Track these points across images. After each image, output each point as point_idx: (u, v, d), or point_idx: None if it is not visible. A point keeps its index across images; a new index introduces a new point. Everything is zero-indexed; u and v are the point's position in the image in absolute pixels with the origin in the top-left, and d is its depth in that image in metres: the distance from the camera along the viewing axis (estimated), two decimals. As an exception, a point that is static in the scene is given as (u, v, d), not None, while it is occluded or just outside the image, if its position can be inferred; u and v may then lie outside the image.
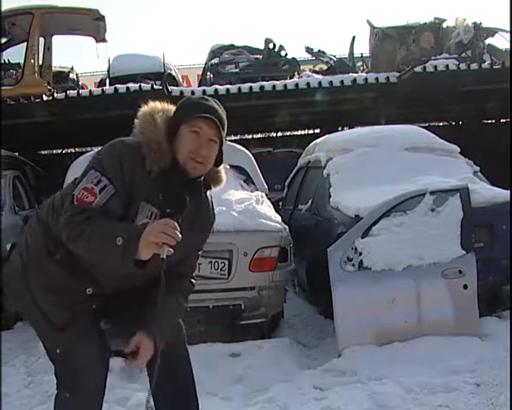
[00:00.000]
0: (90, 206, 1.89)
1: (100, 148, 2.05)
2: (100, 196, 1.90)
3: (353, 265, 3.84)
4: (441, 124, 12.32)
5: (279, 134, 13.17)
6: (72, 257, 1.99)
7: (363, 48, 13.82)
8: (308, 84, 8.61)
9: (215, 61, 10.33)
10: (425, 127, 6.42)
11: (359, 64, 11.64)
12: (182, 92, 8.16)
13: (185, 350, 2.30)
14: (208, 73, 10.27)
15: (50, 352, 2.13)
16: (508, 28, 9.52)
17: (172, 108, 2.11)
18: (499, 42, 10.17)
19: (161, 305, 1.92)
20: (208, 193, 2.20)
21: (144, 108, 2.08)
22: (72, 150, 11.81)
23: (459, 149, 5.24)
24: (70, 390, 2.10)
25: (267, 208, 4.54)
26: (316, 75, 9.70)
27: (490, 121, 11.83)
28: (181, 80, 11.83)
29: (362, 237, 3.88)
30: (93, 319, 2.10)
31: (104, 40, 9.49)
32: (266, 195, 5.02)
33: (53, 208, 2.09)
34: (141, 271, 1.88)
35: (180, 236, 1.83)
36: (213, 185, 2.17)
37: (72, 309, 2.04)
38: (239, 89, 8.49)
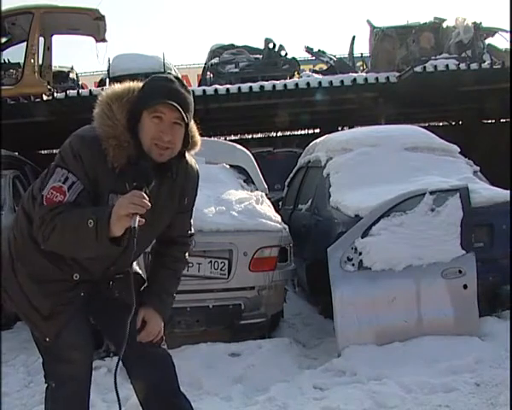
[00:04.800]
0: (60, 204, 1.89)
1: (63, 144, 2.00)
2: (69, 194, 1.89)
3: (353, 265, 3.85)
4: (441, 124, 12.34)
5: (279, 134, 13.18)
6: None
7: (363, 48, 13.85)
8: (308, 84, 8.62)
9: (215, 60, 10.31)
10: (425, 127, 6.41)
11: (359, 64, 11.64)
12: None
13: (165, 350, 2.27)
14: (208, 73, 10.25)
15: (40, 344, 2.12)
16: (508, 28, 9.52)
17: (136, 86, 2.02)
18: (499, 42, 10.19)
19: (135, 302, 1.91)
20: (187, 156, 2.13)
21: (102, 97, 1.99)
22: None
23: (459, 149, 5.24)
24: (56, 380, 2.11)
25: (267, 208, 4.53)
26: (316, 75, 9.70)
27: (490, 121, 11.84)
28: (181, 80, 11.81)
29: (362, 237, 3.88)
30: (80, 308, 2.09)
31: (104, 40, 9.50)
32: (266, 195, 5.02)
33: (33, 197, 2.08)
34: (118, 248, 1.87)
35: (149, 203, 1.83)
36: (189, 151, 2.10)
37: (59, 297, 2.04)
38: (239, 89, 8.46)
